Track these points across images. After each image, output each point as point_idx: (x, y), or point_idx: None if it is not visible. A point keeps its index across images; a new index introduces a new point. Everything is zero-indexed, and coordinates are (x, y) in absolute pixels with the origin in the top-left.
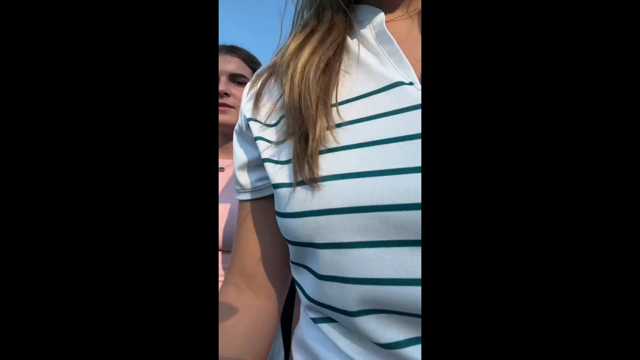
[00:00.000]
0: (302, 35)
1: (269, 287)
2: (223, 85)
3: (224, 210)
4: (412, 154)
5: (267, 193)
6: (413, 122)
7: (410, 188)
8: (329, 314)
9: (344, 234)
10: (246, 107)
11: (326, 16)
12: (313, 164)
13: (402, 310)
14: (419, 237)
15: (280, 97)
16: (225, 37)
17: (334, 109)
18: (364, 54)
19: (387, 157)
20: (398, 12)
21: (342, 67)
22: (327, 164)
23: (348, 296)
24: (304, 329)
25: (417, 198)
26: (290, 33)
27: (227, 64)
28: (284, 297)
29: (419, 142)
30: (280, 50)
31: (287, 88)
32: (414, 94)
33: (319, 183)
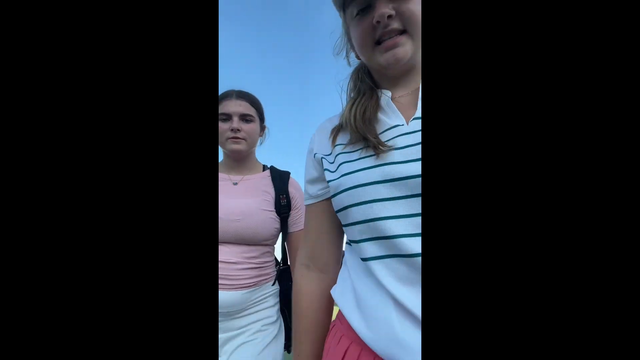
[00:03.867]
0: (352, 102)
1: (327, 265)
2: (235, 123)
3: (236, 210)
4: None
5: (324, 198)
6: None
7: None
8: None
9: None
10: (320, 145)
11: (365, 93)
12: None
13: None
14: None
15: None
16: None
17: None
18: (381, 113)
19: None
20: (401, 91)
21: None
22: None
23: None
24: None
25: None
26: (347, 104)
27: (238, 107)
28: (338, 272)
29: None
30: (343, 115)
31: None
32: (404, 129)
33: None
